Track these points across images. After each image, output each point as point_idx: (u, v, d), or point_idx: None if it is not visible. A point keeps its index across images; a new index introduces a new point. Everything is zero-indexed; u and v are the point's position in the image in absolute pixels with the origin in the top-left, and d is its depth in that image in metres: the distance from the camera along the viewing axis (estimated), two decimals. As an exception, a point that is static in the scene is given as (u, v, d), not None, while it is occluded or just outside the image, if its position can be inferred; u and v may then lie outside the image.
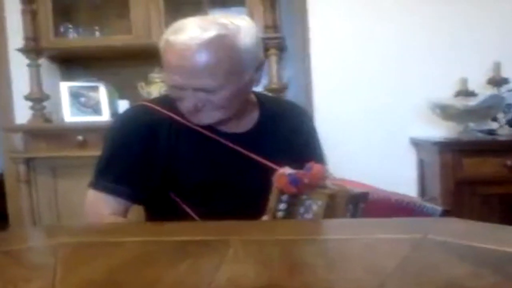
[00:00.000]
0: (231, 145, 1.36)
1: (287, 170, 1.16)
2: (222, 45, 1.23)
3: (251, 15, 2.77)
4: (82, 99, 2.87)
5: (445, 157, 2.45)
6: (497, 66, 2.76)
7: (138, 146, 1.35)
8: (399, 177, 2.81)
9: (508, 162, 2.40)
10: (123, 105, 2.91)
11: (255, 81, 1.37)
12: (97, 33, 3.07)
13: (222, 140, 1.37)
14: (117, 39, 2.93)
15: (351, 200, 1.14)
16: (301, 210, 1.14)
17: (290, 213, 1.14)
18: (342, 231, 0.99)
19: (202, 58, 1.22)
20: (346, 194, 1.13)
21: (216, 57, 1.23)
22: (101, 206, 1.33)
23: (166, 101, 1.41)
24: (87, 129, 2.72)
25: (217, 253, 0.81)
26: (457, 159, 2.43)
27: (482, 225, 0.96)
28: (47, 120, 2.87)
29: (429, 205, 1.24)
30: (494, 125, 2.81)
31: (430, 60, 2.96)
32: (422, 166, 2.92)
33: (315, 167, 1.14)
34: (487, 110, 2.57)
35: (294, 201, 1.14)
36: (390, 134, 2.99)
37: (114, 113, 2.90)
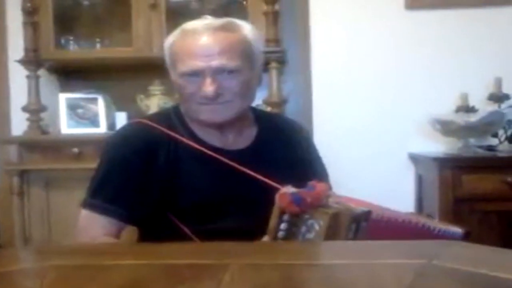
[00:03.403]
0: (230, 162, 1.34)
1: (289, 189, 1.14)
2: (235, 30, 1.33)
3: (253, 28, 2.77)
4: (80, 111, 2.86)
5: (444, 173, 2.42)
6: (498, 82, 2.74)
7: (134, 164, 1.32)
8: (397, 192, 2.80)
9: (508, 179, 2.37)
10: (120, 117, 2.88)
11: (260, 80, 1.43)
12: (98, 45, 3.05)
13: (222, 158, 1.34)
14: (118, 51, 2.92)
15: (354, 219, 1.12)
16: (303, 229, 1.11)
17: (291, 233, 1.12)
18: (343, 256, 0.96)
19: (221, 37, 1.29)
20: (349, 214, 1.11)
21: (232, 38, 1.31)
22: (94, 227, 1.29)
23: (165, 117, 1.40)
24: (83, 142, 2.70)
25: (213, 278, 0.78)
26: (457, 175, 2.41)
27: (491, 250, 0.93)
28: (44, 131, 2.84)
29: (446, 227, 1.20)
30: (494, 141, 2.78)
31: (431, 75, 2.95)
32: (420, 181, 2.89)
33: (318, 186, 1.12)
34: (487, 126, 2.55)
35: (295, 221, 1.12)
36: (389, 149, 2.97)
37: (111, 125, 2.89)
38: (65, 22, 3.02)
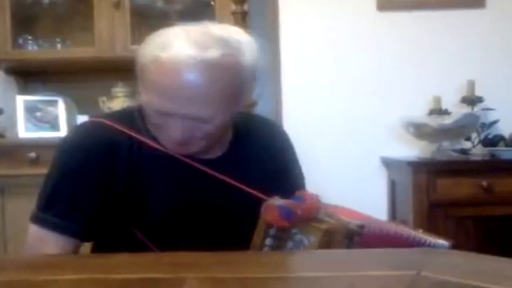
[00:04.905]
0: (204, 169, 1.17)
1: (276, 201, 1.02)
2: (227, 68, 1.06)
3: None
4: (39, 114, 2.74)
5: (418, 177, 2.36)
6: (471, 85, 2.70)
7: (90, 171, 1.14)
8: (369, 198, 2.72)
9: (484, 183, 2.32)
10: (82, 121, 2.74)
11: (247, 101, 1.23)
12: (59, 45, 2.96)
13: (195, 164, 1.17)
14: (80, 52, 2.85)
15: (348, 235, 1.01)
16: (289, 245, 1.00)
17: (276, 249, 1.01)
18: (320, 267, 0.86)
19: (203, 83, 1.04)
20: (343, 229, 1.01)
21: (219, 83, 1.05)
22: (45, 244, 1.12)
23: (126, 117, 1.21)
24: (41, 146, 2.55)
25: None
26: (431, 179, 2.35)
27: (483, 258, 0.84)
28: (0, 135, 2.71)
29: (434, 240, 1.11)
30: (467, 145, 2.75)
31: (403, 78, 2.90)
32: (393, 186, 2.83)
33: (308, 197, 1.02)
34: (461, 128, 2.51)
35: (282, 236, 1.01)
36: (361, 153, 2.90)
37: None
38: (24, 21, 2.94)
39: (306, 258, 0.96)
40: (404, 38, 2.90)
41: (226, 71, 1.06)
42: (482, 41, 2.87)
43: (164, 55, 1.04)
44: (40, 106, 2.77)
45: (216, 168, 1.18)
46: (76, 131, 1.25)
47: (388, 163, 2.87)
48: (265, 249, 1.01)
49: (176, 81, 1.03)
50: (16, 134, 2.74)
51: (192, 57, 1.02)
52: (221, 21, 2.71)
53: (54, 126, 2.76)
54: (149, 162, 1.16)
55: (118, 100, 2.78)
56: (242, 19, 2.67)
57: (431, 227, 2.29)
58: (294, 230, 1.00)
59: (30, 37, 2.94)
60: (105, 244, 1.19)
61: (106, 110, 2.76)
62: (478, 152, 2.66)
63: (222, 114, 1.10)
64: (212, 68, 1.03)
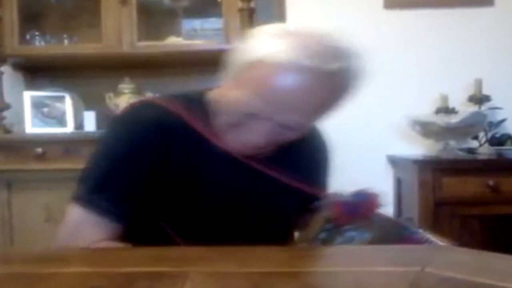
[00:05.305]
0: (260, 167, 1.12)
1: (341, 197, 1.02)
2: (339, 82, 1.00)
3: (228, 26, 2.72)
4: (45, 110, 2.74)
5: (424, 176, 2.36)
6: (478, 83, 2.69)
7: (150, 155, 1.05)
8: (376, 196, 2.70)
9: (490, 182, 2.32)
10: (89, 117, 2.80)
11: None
12: (66, 41, 2.95)
13: (252, 163, 1.11)
14: (87, 48, 2.82)
15: (399, 231, 1.02)
16: (338, 240, 0.98)
17: (326, 244, 1.00)
18: (329, 263, 0.86)
19: (314, 93, 0.97)
20: (395, 228, 1.01)
21: (327, 95, 1.00)
22: (89, 228, 1.03)
23: (189, 103, 1.12)
24: (48, 141, 2.57)
25: None
26: (437, 178, 2.35)
27: (487, 255, 0.84)
28: (7, 131, 2.72)
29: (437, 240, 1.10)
30: (474, 144, 2.73)
31: (410, 76, 2.89)
32: (399, 185, 2.83)
33: (371, 195, 1.01)
34: (468, 127, 2.50)
35: (333, 231, 1.00)
36: (367, 152, 2.90)
37: (79, 124, 2.80)
38: (31, 16, 2.92)
39: (311, 253, 0.96)
40: (411, 36, 2.89)
41: (337, 84, 1.01)
42: (490, 40, 2.86)
43: (280, 58, 0.95)
44: (47, 101, 2.77)
45: (268, 167, 1.13)
46: (132, 112, 1.13)
47: (394, 162, 2.86)
48: (317, 243, 1.00)
49: (287, 87, 0.96)
50: (23, 129, 2.74)
51: (310, 67, 0.95)
52: (228, 18, 2.71)
53: (61, 122, 2.76)
54: (205, 152, 1.09)
55: (124, 96, 2.77)
56: (249, 16, 2.67)
57: (437, 226, 2.29)
58: (346, 227, 0.99)
59: (37, 33, 2.92)
60: (129, 235, 1.08)
61: (113, 107, 2.77)
62: (485, 151, 2.65)
63: (313, 122, 1.08)
64: (326, 80, 0.97)
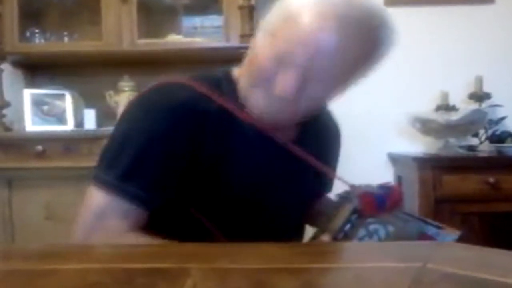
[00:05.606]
0: (288, 148, 1.10)
1: (370, 189, 1.03)
2: (377, 42, 1.01)
3: (228, 24, 2.71)
4: (45, 107, 2.74)
5: (424, 173, 2.36)
6: (478, 81, 2.69)
7: (181, 138, 1.00)
8: (376, 193, 2.70)
9: (490, 179, 2.32)
10: (89, 114, 2.80)
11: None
12: (66, 39, 2.95)
13: (279, 142, 1.09)
14: (87, 46, 2.82)
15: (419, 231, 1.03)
16: (361, 233, 0.99)
17: (348, 236, 1.00)
18: (329, 259, 0.85)
19: (350, 45, 0.96)
20: (418, 224, 1.02)
21: (362, 52, 1.00)
22: (116, 215, 0.98)
23: (214, 82, 1.07)
24: (48, 139, 2.57)
25: (171, 285, 0.67)
26: (437, 175, 2.35)
27: (489, 251, 0.83)
28: (7, 128, 2.72)
29: (443, 231, 1.09)
30: (474, 141, 2.73)
31: (410, 73, 2.88)
32: (399, 182, 2.82)
33: (396, 188, 1.02)
34: (469, 125, 2.50)
35: (357, 223, 1.00)
36: (367, 149, 2.89)
37: (79, 122, 2.80)
38: (31, 14, 2.91)
39: (312, 249, 0.96)
40: (412, 34, 2.87)
41: (372, 41, 1.00)
42: (490, 37, 2.85)
43: (324, 7, 0.94)
44: (47, 99, 2.76)
45: (295, 149, 1.11)
46: (163, 91, 1.06)
47: (395, 159, 2.86)
48: (341, 234, 1.00)
49: (321, 33, 0.92)
50: (23, 127, 2.74)
51: (354, 17, 0.95)
52: (228, 15, 2.71)
53: (61, 120, 2.76)
54: (237, 136, 1.05)
55: (124, 94, 2.76)
56: (249, 14, 2.67)
57: (437, 223, 2.29)
58: (369, 220, 1.00)
59: (37, 31, 2.92)
60: (157, 226, 1.02)
61: (113, 104, 2.77)
62: (485, 148, 2.65)
63: (340, 86, 1.03)
64: (366, 36, 0.98)
